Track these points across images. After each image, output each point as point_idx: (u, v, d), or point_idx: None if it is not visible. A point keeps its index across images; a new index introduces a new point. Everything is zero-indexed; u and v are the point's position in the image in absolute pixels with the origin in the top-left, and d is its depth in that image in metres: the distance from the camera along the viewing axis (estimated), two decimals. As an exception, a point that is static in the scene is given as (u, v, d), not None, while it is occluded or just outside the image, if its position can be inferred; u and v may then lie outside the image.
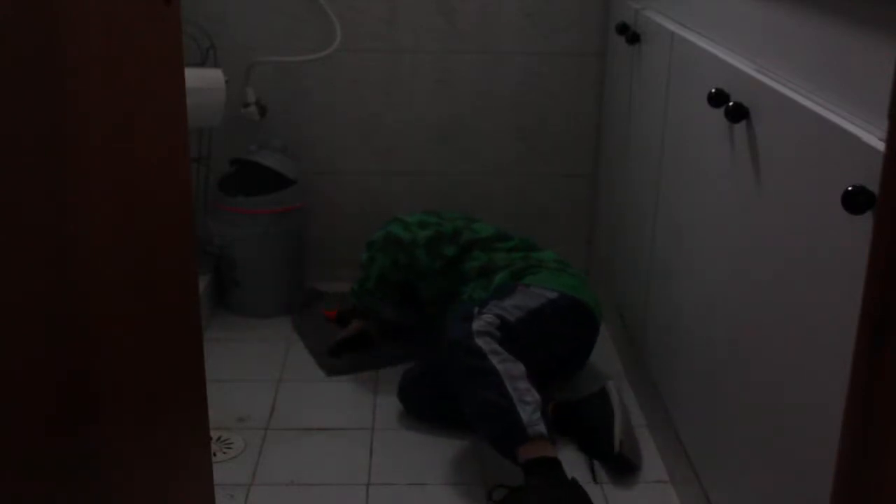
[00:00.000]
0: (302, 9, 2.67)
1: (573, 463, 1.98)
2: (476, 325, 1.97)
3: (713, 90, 1.60)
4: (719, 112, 1.56)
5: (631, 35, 2.28)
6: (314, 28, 2.67)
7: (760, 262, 1.48)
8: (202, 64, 2.59)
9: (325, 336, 2.52)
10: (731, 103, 1.52)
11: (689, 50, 1.85)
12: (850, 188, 1.09)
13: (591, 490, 1.88)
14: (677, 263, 1.94)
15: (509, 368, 1.88)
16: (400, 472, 2.00)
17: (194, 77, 1.91)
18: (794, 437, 1.35)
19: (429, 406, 2.19)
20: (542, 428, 1.81)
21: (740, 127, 1.53)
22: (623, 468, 1.97)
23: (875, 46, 1.16)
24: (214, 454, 2.02)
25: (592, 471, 1.99)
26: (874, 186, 1.06)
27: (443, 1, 2.69)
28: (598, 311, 2.25)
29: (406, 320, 2.53)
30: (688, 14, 1.94)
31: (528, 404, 1.83)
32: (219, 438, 2.09)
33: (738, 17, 1.65)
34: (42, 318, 0.93)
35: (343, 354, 2.45)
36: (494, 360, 1.89)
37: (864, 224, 1.09)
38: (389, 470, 2.01)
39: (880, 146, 1.09)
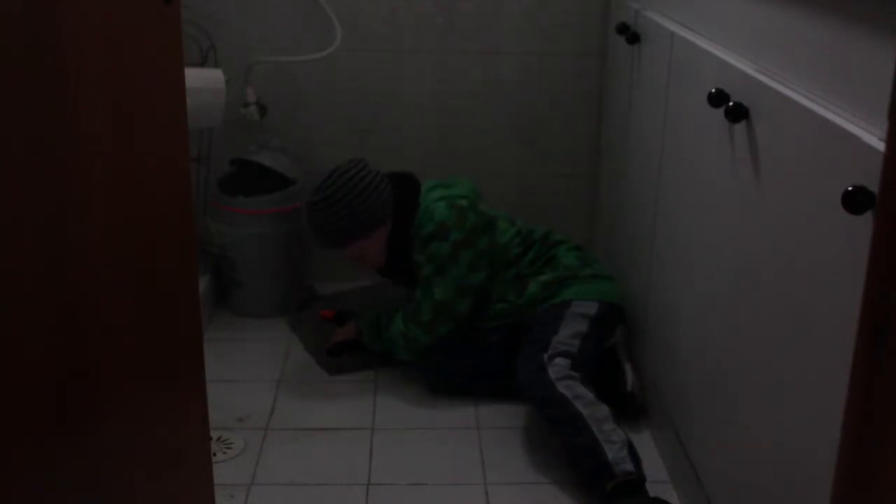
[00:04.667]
0: (302, 9, 2.67)
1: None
2: (552, 373, 2.03)
3: (713, 90, 1.60)
4: (719, 112, 1.56)
5: (631, 35, 2.28)
6: (314, 28, 2.67)
7: (760, 261, 1.48)
8: (202, 64, 2.59)
9: (324, 336, 2.52)
10: (731, 103, 1.52)
11: (689, 50, 1.85)
12: (850, 188, 1.09)
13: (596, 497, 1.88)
14: (677, 263, 1.94)
15: (594, 412, 1.94)
16: (400, 472, 2.00)
17: (194, 77, 1.91)
18: (795, 437, 1.35)
19: (452, 380, 2.29)
20: (628, 465, 1.86)
21: (740, 127, 1.53)
22: (633, 408, 2.16)
23: (875, 46, 1.15)
24: (214, 454, 2.02)
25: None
26: (874, 186, 1.06)
27: (443, 1, 2.69)
28: (624, 302, 2.32)
29: None
30: (688, 14, 1.94)
31: (614, 443, 1.89)
32: (219, 438, 2.09)
33: (738, 17, 1.65)
34: (42, 318, 0.93)
35: (342, 354, 2.45)
36: (579, 405, 1.95)
37: (864, 224, 1.09)
38: (389, 470, 2.01)
39: (880, 146, 1.09)
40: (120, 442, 1.11)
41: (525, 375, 2.07)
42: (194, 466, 1.36)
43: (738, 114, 1.51)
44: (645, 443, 2.09)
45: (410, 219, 2.28)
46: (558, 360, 2.05)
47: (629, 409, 2.15)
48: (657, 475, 1.97)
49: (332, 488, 1.95)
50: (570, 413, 1.94)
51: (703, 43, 1.78)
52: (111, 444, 1.09)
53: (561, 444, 1.98)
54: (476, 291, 2.27)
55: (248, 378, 2.37)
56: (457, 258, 2.21)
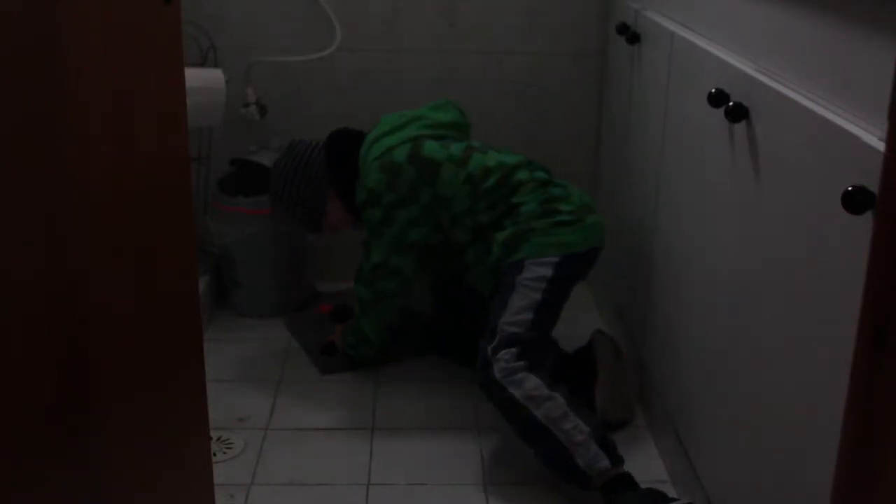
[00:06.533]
0: (302, 9, 2.67)
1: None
2: (497, 371, 1.91)
3: (713, 90, 1.60)
4: (719, 112, 1.56)
5: (631, 35, 2.28)
6: (314, 28, 2.67)
7: (760, 261, 1.48)
8: (202, 64, 2.59)
9: (320, 334, 2.52)
10: (731, 103, 1.52)
11: (689, 50, 1.85)
12: (850, 188, 1.09)
13: (593, 493, 1.88)
14: (677, 263, 1.94)
15: (549, 412, 1.86)
16: (400, 472, 2.00)
17: (194, 77, 1.91)
18: (795, 437, 1.35)
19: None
20: (603, 462, 1.82)
21: (740, 127, 1.53)
22: (609, 427, 2.03)
23: (875, 46, 1.16)
24: (214, 454, 2.02)
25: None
26: (874, 186, 1.06)
27: (443, 1, 2.69)
28: (603, 236, 2.13)
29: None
30: (688, 14, 1.94)
31: (580, 445, 1.83)
32: (219, 438, 2.09)
33: (738, 17, 1.65)
34: (41, 318, 0.93)
35: (337, 353, 2.45)
36: (532, 407, 1.87)
37: (864, 224, 1.09)
38: (389, 470, 2.01)
39: (880, 146, 1.09)
40: (120, 442, 1.11)
41: (477, 372, 1.97)
42: (194, 466, 1.36)
43: (738, 114, 1.51)
44: (645, 443, 2.09)
45: (352, 177, 2.25)
46: (503, 353, 1.92)
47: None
48: (657, 475, 1.97)
49: (332, 488, 1.95)
50: (526, 419, 1.87)
51: (703, 43, 1.78)
52: (111, 443, 1.09)
53: (531, 448, 1.92)
54: (416, 247, 2.17)
55: (248, 378, 2.37)
56: (392, 219, 2.14)
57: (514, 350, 1.93)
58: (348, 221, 2.35)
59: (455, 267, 2.27)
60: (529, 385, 1.89)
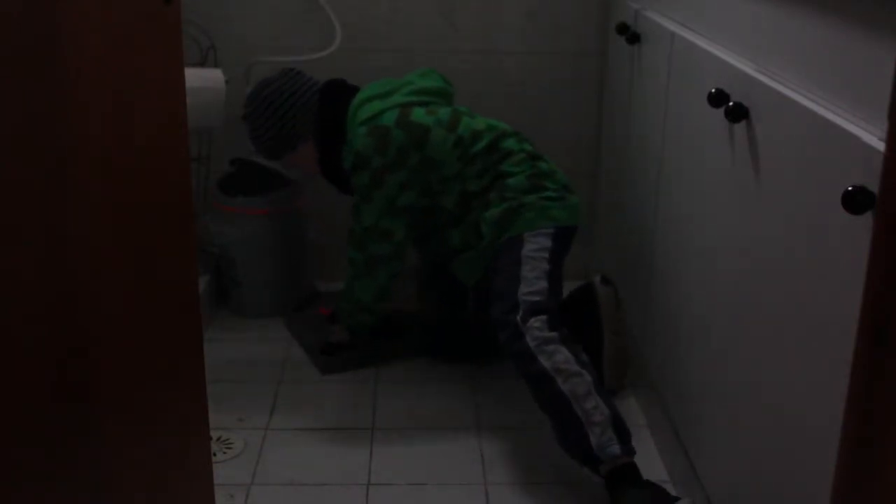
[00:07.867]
0: (302, 9, 2.67)
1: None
2: (530, 339, 1.92)
3: (713, 90, 1.60)
4: (719, 112, 1.56)
5: (631, 35, 2.28)
6: (314, 28, 2.67)
7: (760, 262, 1.48)
8: (202, 64, 2.59)
9: (319, 334, 2.52)
10: (731, 103, 1.52)
11: (689, 50, 1.85)
12: (850, 188, 1.09)
13: (595, 488, 1.88)
14: (677, 264, 1.94)
15: (575, 387, 1.86)
16: (400, 472, 2.00)
17: (194, 77, 1.91)
18: (795, 437, 1.35)
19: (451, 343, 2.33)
20: (615, 448, 1.82)
21: (740, 127, 1.53)
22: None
23: (875, 46, 1.15)
24: (214, 454, 2.02)
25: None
26: (874, 186, 1.06)
27: (443, 1, 2.69)
28: (579, 217, 2.20)
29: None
30: (688, 14, 1.94)
31: (596, 425, 1.83)
32: (219, 438, 2.09)
33: (738, 17, 1.65)
34: (41, 319, 0.93)
35: (336, 354, 2.45)
36: (559, 381, 1.87)
37: (864, 224, 1.09)
38: (389, 470, 2.01)
39: (880, 146, 1.09)
40: (120, 442, 1.11)
41: (505, 342, 1.97)
42: (194, 466, 1.36)
43: (738, 114, 1.51)
44: (645, 443, 2.08)
45: (336, 134, 2.28)
46: (533, 321, 1.93)
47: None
48: (657, 475, 1.97)
49: (332, 488, 1.95)
50: (553, 393, 1.87)
51: (703, 43, 1.78)
52: (111, 444, 1.09)
53: (549, 419, 1.92)
54: (406, 210, 2.20)
55: (248, 378, 2.37)
56: (382, 182, 2.16)
57: (543, 318, 1.94)
58: (311, 168, 2.39)
59: (441, 248, 2.29)
60: (560, 358, 1.90)
